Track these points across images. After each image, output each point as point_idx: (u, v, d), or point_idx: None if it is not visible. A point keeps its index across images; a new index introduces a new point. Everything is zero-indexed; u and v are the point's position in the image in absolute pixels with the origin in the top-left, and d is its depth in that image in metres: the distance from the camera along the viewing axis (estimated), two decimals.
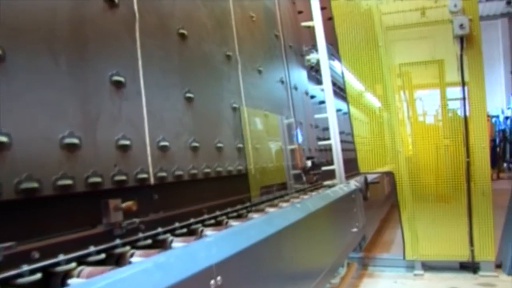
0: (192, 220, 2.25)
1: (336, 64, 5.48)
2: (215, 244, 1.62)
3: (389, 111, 4.80)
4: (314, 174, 4.53)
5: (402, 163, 4.69)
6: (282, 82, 3.95)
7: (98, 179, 1.69)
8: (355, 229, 3.91)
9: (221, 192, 2.66)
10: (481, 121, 4.42)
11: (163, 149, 2.09)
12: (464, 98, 4.41)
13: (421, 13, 4.97)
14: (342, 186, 4.01)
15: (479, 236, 4.45)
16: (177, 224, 2.13)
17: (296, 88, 4.29)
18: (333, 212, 3.30)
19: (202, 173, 2.41)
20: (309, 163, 4.30)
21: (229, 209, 2.63)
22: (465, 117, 4.47)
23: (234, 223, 2.41)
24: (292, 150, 3.90)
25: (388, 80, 4.78)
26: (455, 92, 4.65)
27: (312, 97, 4.87)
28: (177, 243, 1.96)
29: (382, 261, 5.03)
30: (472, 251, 4.47)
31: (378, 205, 6.55)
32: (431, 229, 4.65)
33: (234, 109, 2.88)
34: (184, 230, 2.16)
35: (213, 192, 2.58)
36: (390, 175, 4.83)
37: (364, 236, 4.78)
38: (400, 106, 4.94)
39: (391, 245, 5.82)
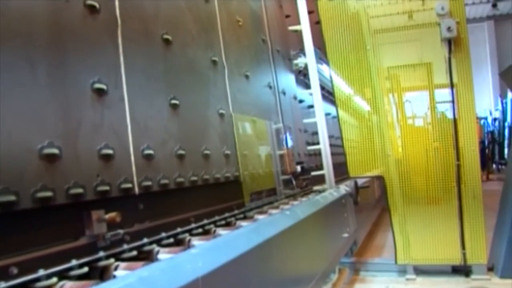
0: (179, 230, 2.19)
1: (324, 68, 5.46)
2: (201, 256, 1.57)
3: (378, 114, 4.78)
4: (304, 179, 4.49)
5: (392, 166, 4.67)
6: (270, 87, 3.91)
7: (79, 190, 1.63)
8: (346, 234, 3.87)
9: (209, 200, 2.61)
10: (470, 124, 4.41)
11: (148, 157, 2.04)
12: (453, 101, 4.40)
13: (408, 16, 4.97)
14: (332, 191, 3.98)
15: (470, 239, 4.44)
16: (163, 234, 2.08)
17: (284, 93, 4.26)
18: (323, 218, 3.26)
19: (189, 181, 2.35)
20: (298, 168, 4.27)
21: (217, 217, 2.58)
22: (455, 120, 4.46)
23: (222, 231, 2.36)
24: (281, 155, 3.86)
25: (377, 83, 4.77)
26: (444, 94, 4.66)
27: (301, 101, 4.85)
28: (163, 254, 1.91)
29: (373, 266, 5.00)
30: (464, 254, 4.45)
31: (369, 208, 6.54)
32: (423, 232, 4.63)
33: (221, 115, 2.83)
34: (171, 240, 2.11)
35: (201, 200, 2.53)
36: (380, 178, 4.81)
37: (355, 240, 4.75)
38: (389, 109, 4.92)
39: (382, 249, 5.79)
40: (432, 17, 4.48)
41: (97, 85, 1.79)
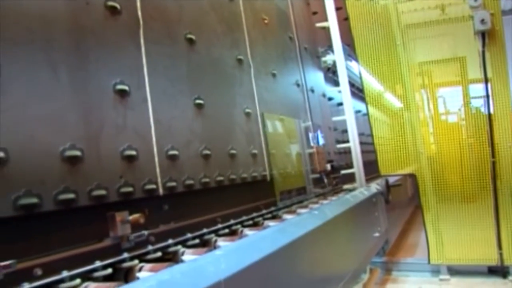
0: (205, 230, 2.18)
1: (353, 64, 5.37)
2: (224, 258, 1.54)
3: (410, 111, 4.67)
4: (334, 178, 4.43)
5: (425, 164, 4.55)
6: (298, 85, 3.86)
7: (102, 192, 1.63)
8: (377, 234, 3.80)
9: (236, 200, 2.59)
10: (506, 119, 4.25)
11: (172, 158, 2.03)
12: (487, 96, 4.25)
13: (441, 9, 4.83)
14: (362, 190, 3.90)
15: (508, 239, 4.28)
16: (189, 235, 2.06)
17: (312, 91, 4.20)
18: (353, 217, 3.20)
19: (215, 181, 2.34)
20: (328, 166, 4.21)
21: (244, 217, 2.56)
22: (490, 115, 4.31)
23: (249, 232, 2.33)
24: (311, 154, 3.82)
25: (408, 79, 4.65)
26: (478, 89, 4.51)
27: (330, 99, 4.78)
28: (188, 255, 1.90)
29: (406, 266, 4.89)
30: (501, 254, 4.29)
31: (402, 206, 6.41)
32: (457, 231, 4.49)
33: (248, 114, 2.81)
34: (197, 241, 2.09)
35: (227, 200, 2.51)
36: (412, 177, 4.69)
37: (387, 240, 4.66)
38: (421, 105, 4.80)
39: (416, 248, 5.66)
40: (465, 10, 4.33)
41: (120, 86, 1.79)
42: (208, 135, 2.34)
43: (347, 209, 3.00)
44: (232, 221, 2.42)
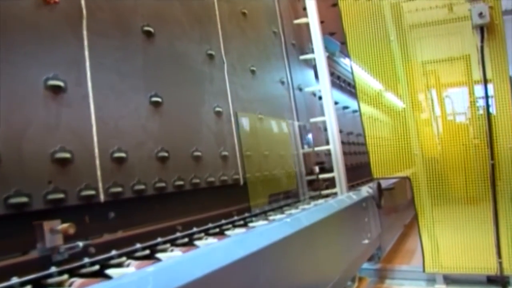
0: (159, 240, 1.99)
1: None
2: (155, 276, 1.35)
3: (407, 110, 4.44)
4: (324, 180, 4.23)
5: (420, 167, 4.33)
6: (283, 82, 3.67)
7: (23, 199, 1.45)
8: (366, 241, 3.58)
9: (201, 206, 2.40)
10: (505, 119, 4.01)
11: (119, 161, 1.85)
12: (486, 95, 4.02)
13: (448, 9, 4.60)
14: (351, 195, 3.69)
15: (507, 247, 4.03)
16: (138, 245, 1.88)
17: (300, 89, 4.00)
18: (335, 225, 3.00)
19: (174, 186, 2.15)
20: (317, 168, 4.01)
21: (210, 225, 2.36)
22: (489, 116, 4.08)
23: (208, 241, 2.14)
24: (298, 156, 3.62)
25: (405, 78, 4.42)
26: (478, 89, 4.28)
27: (321, 98, 4.56)
28: (132, 268, 1.71)
29: (400, 274, 4.66)
30: (500, 263, 4.05)
31: (401, 210, 6.18)
32: (454, 238, 4.25)
33: (218, 113, 2.62)
34: (147, 252, 1.90)
35: (191, 207, 2.32)
36: (407, 180, 4.46)
37: (380, 246, 4.44)
38: (418, 105, 4.57)
39: (413, 255, 5.43)
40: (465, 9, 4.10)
41: (52, 82, 1.61)
42: (166, 136, 2.15)
43: (328, 216, 2.80)
44: (195, 229, 2.23)
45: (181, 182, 2.19)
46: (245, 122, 2.84)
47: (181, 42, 2.41)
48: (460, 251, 4.19)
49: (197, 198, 2.36)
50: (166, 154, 2.11)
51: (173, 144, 2.17)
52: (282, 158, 3.33)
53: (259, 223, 2.54)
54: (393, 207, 5.44)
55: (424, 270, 4.32)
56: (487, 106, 4.09)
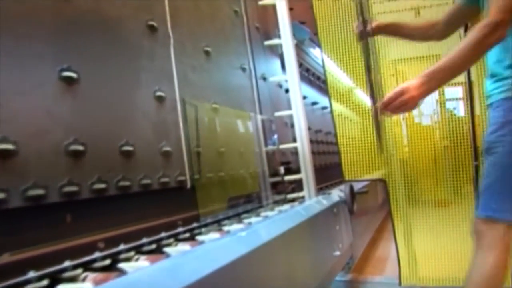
0: (66, 264, 1.46)
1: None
2: None
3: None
4: (290, 183, 3.75)
5: (396, 167, 3.91)
6: (244, 69, 3.17)
7: None
8: (337, 252, 3.12)
9: (133, 216, 1.88)
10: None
11: (3, 155, 1.31)
12: (470, 89, 3.64)
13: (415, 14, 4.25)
14: (320, 199, 3.23)
15: None
16: (31, 274, 1.34)
17: (264, 79, 3.51)
18: (303, 237, 2.52)
19: (91, 189, 1.62)
20: (282, 169, 3.53)
21: (144, 240, 1.84)
22: (472, 116, 3.70)
23: (142, 263, 1.62)
24: (259, 154, 3.14)
25: (376, 75, 3.99)
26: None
27: (287, 91, 4.09)
28: None
29: (374, 286, 4.23)
30: None
31: (371, 213, 5.77)
32: (433, 246, 3.85)
33: (160, 98, 2.10)
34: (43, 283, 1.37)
35: (118, 217, 1.79)
36: (382, 182, 4.03)
37: (352, 255, 3.99)
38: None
39: (386, 262, 5.02)
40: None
41: None
42: (83, 124, 1.62)
43: (294, 226, 2.31)
44: (122, 246, 1.71)
45: (102, 185, 1.66)
46: (195, 111, 2.32)
47: (111, 6, 1.88)
48: (439, 261, 3.78)
49: (127, 205, 1.83)
50: (81, 148, 1.58)
51: (92, 134, 1.64)
52: (242, 156, 2.83)
53: (209, 236, 2.03)
54: (364, 211, 5.01)
55: (400, 283, 3.90)
56: (472, 106, 3.73)
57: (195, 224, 2.18)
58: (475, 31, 2.00)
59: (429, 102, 4.34)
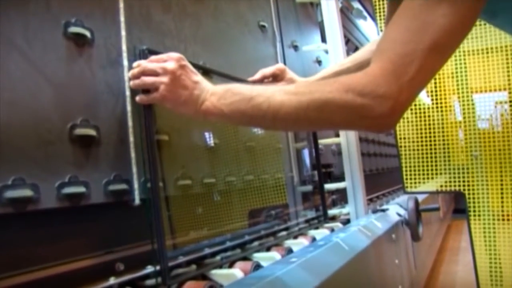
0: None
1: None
2: None
3: (461, 97, 2.89)
4: (330, 193, 2.75)
5: (480, 174, 2.80)
6: (264, 28, 2.18)
7: None
8: None
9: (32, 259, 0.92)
10: None
11: None
12: None
13: None
14: (373, 221, 2.20)
15: None
16: None
17: (295, 47, 2.52)
18: (347, 283, 1.50)
19: None
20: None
21: None
22: None
23: None
24: (288, 152, 2.19)
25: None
26: None
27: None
28: None
29: None
30: None
31: (432, 231, 4.65)
32: None
33: (79, 38, 1.14)
34: None
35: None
36: (459, 195, 2.92)
37: None
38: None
39: None
40: None
41: None
42: None
43: (333, 273, 1.31)
44: None
45: None
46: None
47: None
48: None
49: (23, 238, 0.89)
50: None
51: None
52: (251, 153, 1.84)
53: None
54: (427, 230, 3.91)
55: None
56: None
57: (149, 268, 1.20)
58: (352, 94, 0.94)
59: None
